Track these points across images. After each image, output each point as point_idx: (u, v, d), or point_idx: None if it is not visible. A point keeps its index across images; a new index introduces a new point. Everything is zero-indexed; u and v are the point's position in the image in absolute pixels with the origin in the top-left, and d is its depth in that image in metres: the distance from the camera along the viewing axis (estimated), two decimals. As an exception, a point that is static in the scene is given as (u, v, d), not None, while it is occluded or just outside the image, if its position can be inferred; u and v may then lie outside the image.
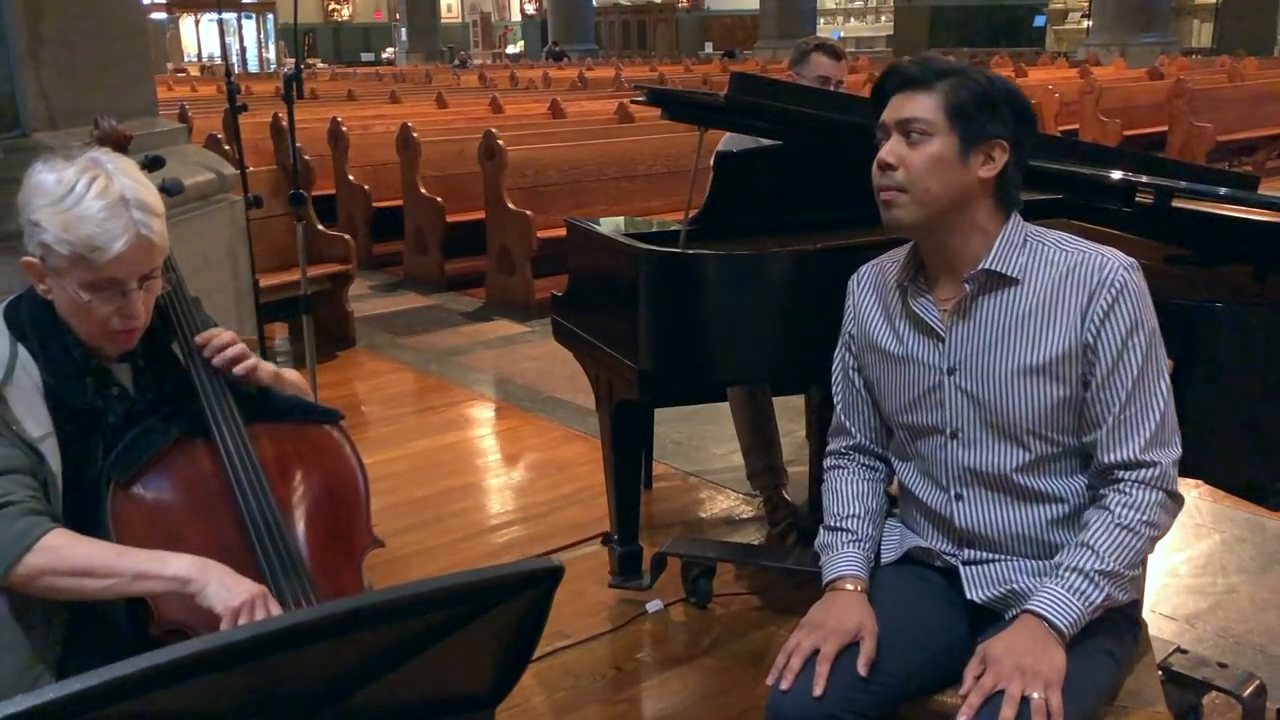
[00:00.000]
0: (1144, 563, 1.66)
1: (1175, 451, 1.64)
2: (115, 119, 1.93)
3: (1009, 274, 1.65)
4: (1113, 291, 1.60)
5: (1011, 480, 1.67)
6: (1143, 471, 1.61)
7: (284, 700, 1.04)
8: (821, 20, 27.40)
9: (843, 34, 29.68)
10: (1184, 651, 2.47)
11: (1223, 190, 2.26)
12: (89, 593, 1.52)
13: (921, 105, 1.63)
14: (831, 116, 2.64)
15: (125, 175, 1.59)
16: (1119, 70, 14.76)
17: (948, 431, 1.71)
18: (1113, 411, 1.62)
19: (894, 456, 1.84)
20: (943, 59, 1.71)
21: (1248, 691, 2.19)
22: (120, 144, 1.89)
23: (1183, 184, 2.26)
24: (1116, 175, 2.29)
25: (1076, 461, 1.68)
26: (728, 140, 3.32)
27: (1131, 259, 1.64)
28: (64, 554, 1.50)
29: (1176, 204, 2.26)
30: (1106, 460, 1.63)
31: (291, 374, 1.89)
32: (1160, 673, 1.95)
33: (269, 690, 1.03)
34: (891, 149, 1.65)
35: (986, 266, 1.65)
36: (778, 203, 2.93)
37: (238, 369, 1.72)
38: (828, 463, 1.91)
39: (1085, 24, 23.19)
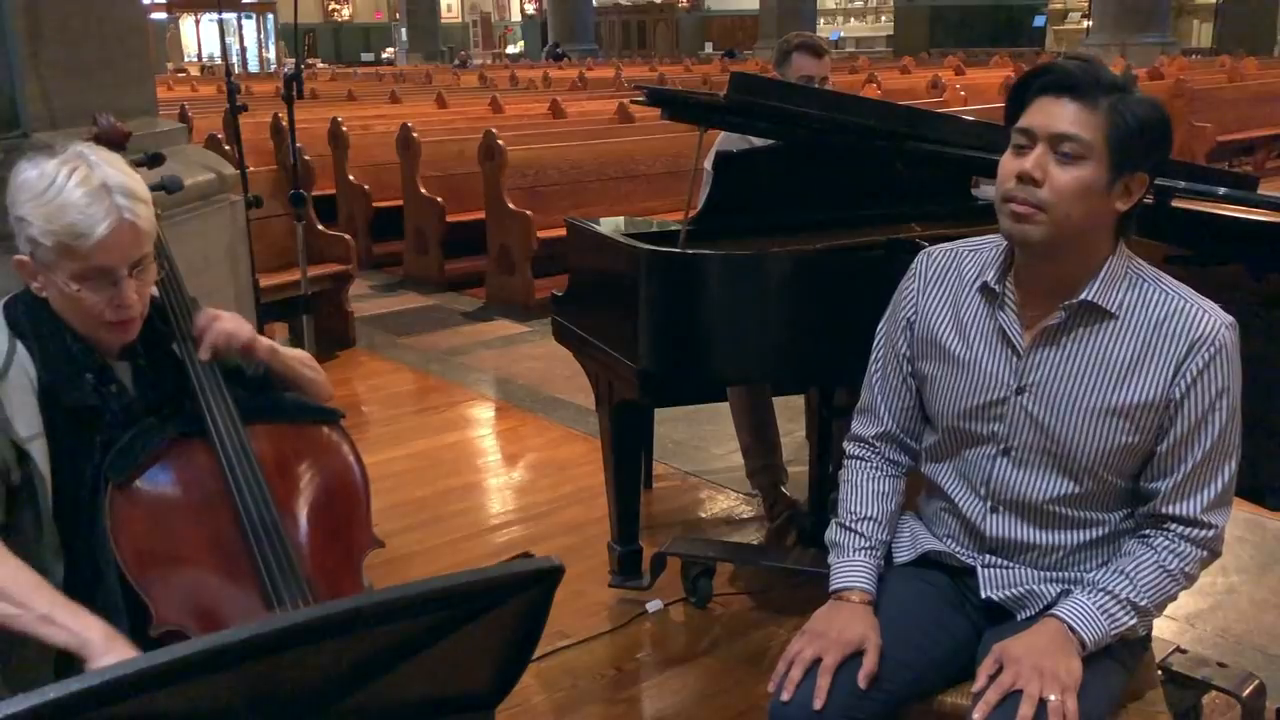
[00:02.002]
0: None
1: (1229, 512, 1.62)
2: (113, 116, 1.93)
3: (1108, 308, 1.59)
4: (1211, 350, 1.55)
5: (1053, 506, 1.65)
6: (1197, 531, 1.60)
7: (284, 700, 1.04)
8: (822, 20, 27.39)
9: (843, 34, 29.68)
10: (1184, 651, 2.47)
11: (1223, 190, 2.26)
12: None
13: (1083, 122, 1.50)
14: (832, 116, 2.63)
15: (109, 166, 1.58)
16: (1119, 70, 14.72)
17: (1001, 446, 1.67)
18: (1183, 468, 1.59)
19: (927, 454, 1.79)
20: (1104, 65, 1.58)
21: (1247, 691, 2.19)
22: (119, 141, 1.89)
23: (1182, 184, 2.26)
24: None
25: (1120, 497, 1.66)
26: (722, 140, 3.33)
27: (1231, 317, 1.58)
28: None
29: (1176, 204, 2.26)
30: (1164, 511, 1.61)
31: (293, 351, 1.87)
32: (1160, 673, 1.95)
33: (269, 690, 1.02)
34: (1039, 163, 1.52)
35: (1088, 298, 1.58)
36: (778, 203, 2.93)
37: (235, 342, 1.72)
38: (850, 449, 1.85)
39: (1085, 24, 23.17)
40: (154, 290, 1.75)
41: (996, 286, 1.66)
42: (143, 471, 1.60)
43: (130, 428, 1.64)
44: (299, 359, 1.86)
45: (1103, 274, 1.59)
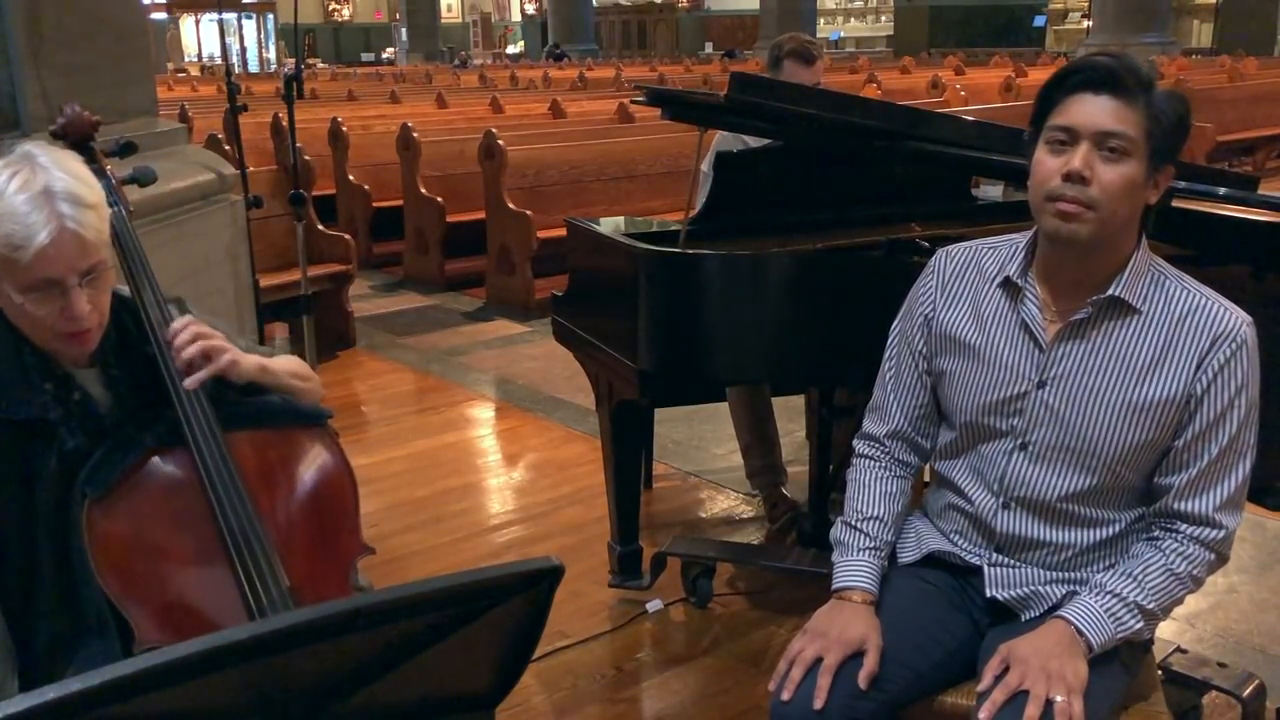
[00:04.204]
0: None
1: (1241, 517, 1.62)
2: (79, 105, 1.83)
3: (1133, 304, 1.59)
4: (1233, 345, 1.56)
5: (1066, 504, 1.65)
6: (1207, 531, 1.60)
7: (284, 700, 1.04)
8: (822, 20, 27.39)
9: (843, 34, 29.68)
10: (1184, 651, 2.47)
11: (1223, 190, 2.26)
12: None
13: (1126, 118, 1.51)
14: (832, 116, 2.63)
15: (58, 168, 1.49)
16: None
17: (1018, 441, 1.66)
18: (1198, 464, 1.59)
19: (941, 451, 1.79)
20: (1136, 60, 1.57)
21: (1248, 691, 2.19)
22: (87, 130, 1.82)
23: (1182, 184, 2.26)
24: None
25: (1133, 495, 1.66)
26: (720, 141, 3.33)
27: (1249, 316, 1.60)
28: None
29: (1176, 204, 2.26)
30: (1176, 507, 1.61)
31: (284, 361, 1.78)
32: (1160, 673, 1.95)
33: (269, 690, 1.02)
34: (1087, 161, 1.51)
35: (1115, 293, 1.59)
36: (778, 203, 2.93)
37: (203, 373, 1.60)
38: (860, 448, 1.85)
39: (1085, 24, 23.18)
40: (125, 290, 1.68)
41: (1019, 281, 1.66)
42: (120, 486, 1.54)
43: (102, 438, 1.57)
44: (290, 372, 1.77)
45: (1129, 269, 1.60)
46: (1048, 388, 1.64)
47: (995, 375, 1.68)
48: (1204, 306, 1.59)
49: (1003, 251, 1.71)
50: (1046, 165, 1.55)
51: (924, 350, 1.78)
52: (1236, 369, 1.57)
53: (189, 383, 1.60)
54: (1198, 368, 1.57)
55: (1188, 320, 1.58)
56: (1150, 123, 1.52)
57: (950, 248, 1.79)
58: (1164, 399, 1.58)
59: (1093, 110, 1.52)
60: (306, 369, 1.83)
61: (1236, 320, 1.58)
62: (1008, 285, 1.68)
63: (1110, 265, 1.60)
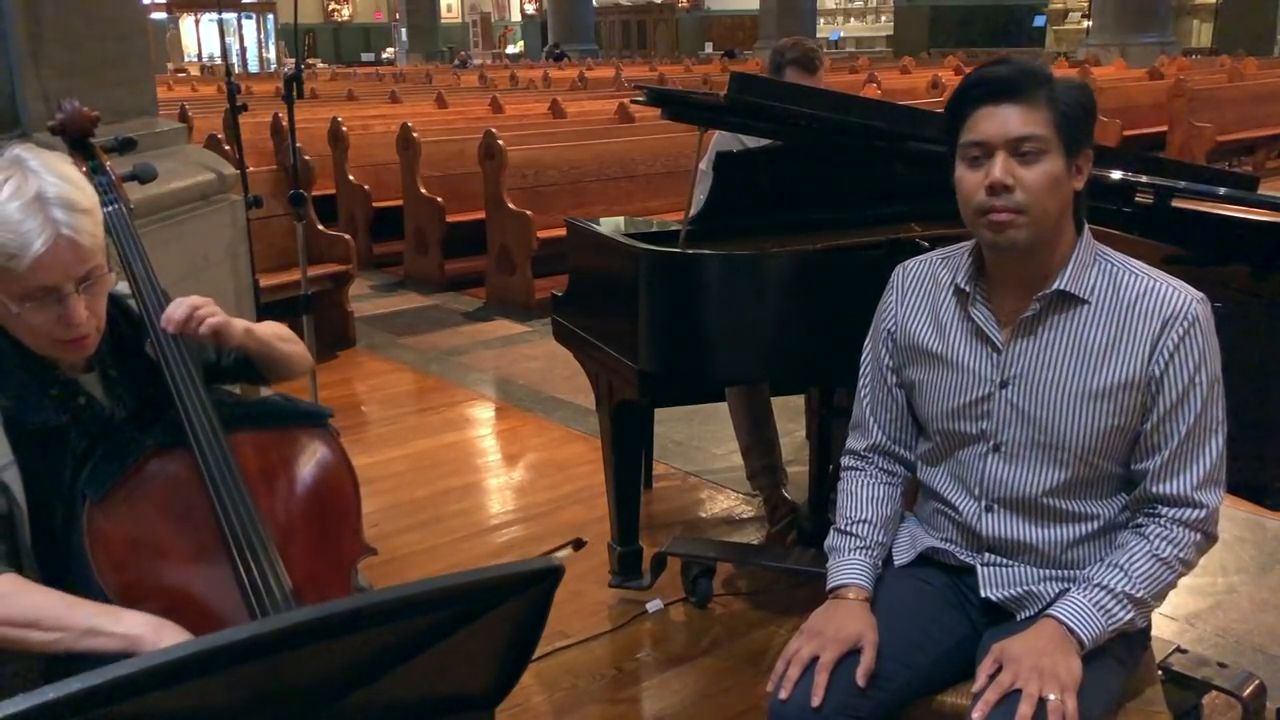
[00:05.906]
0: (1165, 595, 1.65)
1: (1221, 494, 1.63)
2: (78, 101, 1.82)
3: (1080, 295, 1.61)
4: (1185, 325, 1.57)
5: (1048, 498, 1.66)
6: (1188, 511, 1.60)
7: (284, 700, 1.04)
8: (821, 20, 27.37)
9: (843, 34, 29.69)
10: (1184, 651, 2.47)
11: (1222, 190, 2.26)
12: (33, 645, 1.41)
13: (1032, 120, 1.54)
14: (832, 116, 2.63)
15: (50, 173, 1.46)
16: (1119, 70, 14.76)
17: (991, 443, 1.68)
18: (1170, 445, 1.60)
19: (923, 461, 1.81)
20: (1029, 60, 1.62)
21: (1248, 691, 2.19)
22: (85, 127, 1.81)
23: (1182, 184, 2.26)
24: (1116, 175, 2.29)
25: (1113, 485, 1.67)
26: (720, 140, 3.33)
27: (1201, 294, 1.61)
28: (10, 602, 1.40)
29: (1176, 204, 2.26)
30: (1154, 491, 1.62)
31: (268, 325, 1.78)
32: (1160, 673, 1.95)
33: (269, 690, 1.03)
34: (1006, 169, 1.55)
35: (1060, 287, 1.61)
36: (778, 203, 2.93)
37: (203, 328, 1.60)
38: (845, 462, 1.87)
39: (1085, 24, 23.20)
40: (124, 288, 1.67)
41: (967, 287, 1.69)
42: (120, 487, 1.53)
43: (105, 441, 1.57)
44: (275, 334, 1.77)
45: (1072, 262, 1.62)
46: (1010, 387, 1.66)
47: (959, 380, 1.70)
48: (1153, 289, 1.60)
49: (955, 259, 1.75)
50: (969, 181, 1.59)
51: (890, 364, 1.81)
52: (1192, 347, 1.58)
53: (205, 329, 1.60)
54: (1152, 350, 1.59)
55: (1138, 305, 1.60)
56: (1057, 116, 1.55)
57: (906, 261, 1.83)
58: (1121, 383, 1.60)
59: (999, 121, 1.56)
60: (289, 331, 1.83)
61: (1186, 300, 1.59)
62: (959, 292, 1.71)
63: (1053, 261, 1.62)
